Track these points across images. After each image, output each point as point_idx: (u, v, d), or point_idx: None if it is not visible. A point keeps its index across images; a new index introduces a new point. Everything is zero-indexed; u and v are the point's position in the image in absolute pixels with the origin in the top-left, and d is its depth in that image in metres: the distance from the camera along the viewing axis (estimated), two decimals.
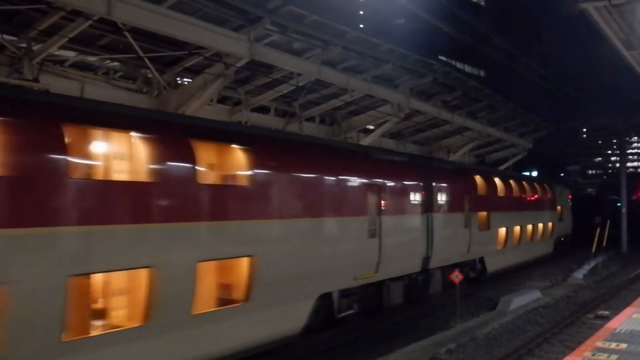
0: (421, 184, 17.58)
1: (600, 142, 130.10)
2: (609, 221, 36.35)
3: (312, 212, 12.93)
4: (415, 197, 17.25)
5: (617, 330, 10.92)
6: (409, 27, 70.22)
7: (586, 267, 28.49)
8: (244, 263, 11.14)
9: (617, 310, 15.89)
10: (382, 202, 15.32)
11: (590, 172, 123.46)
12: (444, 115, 24.62)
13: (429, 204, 17.78)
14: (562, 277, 26.55)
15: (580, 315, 17.78)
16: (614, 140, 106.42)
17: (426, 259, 17.72)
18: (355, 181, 14.55)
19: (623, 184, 39.51)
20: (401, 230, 16.45)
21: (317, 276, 13.04)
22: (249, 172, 11.38)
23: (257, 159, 11.54)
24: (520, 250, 26.52)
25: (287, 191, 12.28)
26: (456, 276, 16.84)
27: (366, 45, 17.53)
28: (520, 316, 17.55)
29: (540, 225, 29.67)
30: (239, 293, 11.18)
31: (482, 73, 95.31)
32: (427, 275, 18.35)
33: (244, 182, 11.44)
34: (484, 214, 22.17)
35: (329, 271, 13.40)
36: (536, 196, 29.56)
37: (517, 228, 25.91)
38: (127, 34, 12.65)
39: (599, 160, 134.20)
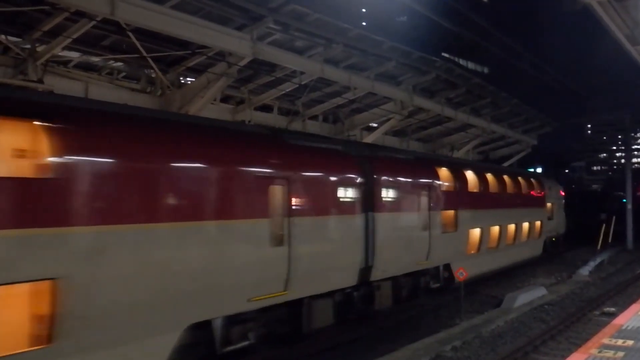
0: (357, 177, 14.04)
1: (605, 138, 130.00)
2: (614, 217, 36.29)
3: (169, 214, 9.41)
4: (348, 194, 13.72)
5: (623, 327, 10.89)
6: (411, 24, 70.04)
7: (592, 264, 28.40)
8: (43, 289, 7.73)
9: (623, 307, 15.85)
10: (294, 199, 11.84)
11: (595, 168, 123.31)
12: (448, 112, 24.58)
13: (368, 202, 14.27)
14: (568, 273, 26.50)
15: (586, 312, 17.73)
16: (619, 136, 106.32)
17: (366, 270, 14.31)
18: (247, 172, 10.99)
19: (628, 180, 39.41)
20: (324, 235, 12.97)
21: (183, 301, 9.64)
22: (51, 158, 7.90)
23: (66, 138, 8.10)
24: (499, 253, 23.03)
25: (127, 185, 8.85)
26: (461, 273, 16.81)
27: (369, 43, 17.51)
28: (525, 313, 17.50)
29: (526, 224, 26.19)
30: (35, 332, 7.79)
31: (486, 70, 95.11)
32: (369, 289, 15.03)
33: (38, 173, 7.93)
34: (450, 213, 18.79)
35: (203, 293, 9.96)
36: (521, 191, 26.28)
37: (496, 228, 22.60)
38: (130, 34, 12.67)
39: (604, 157, 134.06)
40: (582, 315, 17.32)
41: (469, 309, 18.00)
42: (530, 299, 19.30)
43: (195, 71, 15.90)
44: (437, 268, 18.36)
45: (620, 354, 9.05)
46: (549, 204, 30.62)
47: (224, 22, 13.96)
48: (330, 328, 13.94)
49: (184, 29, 12.88)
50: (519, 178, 26.63)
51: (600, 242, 32.23)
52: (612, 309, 17.53)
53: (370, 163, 14.94)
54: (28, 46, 12.56)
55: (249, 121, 17.89)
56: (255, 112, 18.74)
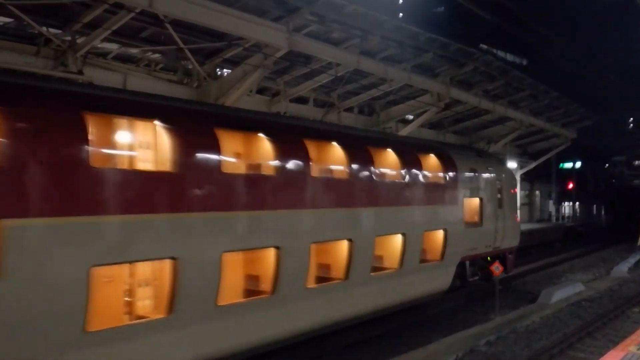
0: None
1: None
2: None
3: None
4: None
5: None
6: (449, 15, 69.23)
7: (631, 260, 27.87)
8: None
9: None
10: None
11: (636, 163, 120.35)
12: (485, 104, 24.27)
13: None
14: (606, 270, 26.01)
15: (625, 309, 17.40)
16: None
17: None
18: None
19: None
20: None
21: None
22: None
23: None
24: (301, 305, 11.54)
25: None
26: (496, 268, 16.61)
27: (405, 35, 17.36)
28: (561, 309, 17.26)
29: (397, 238, 14.25)
30: None
31: (525, 62, 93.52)
32: None
33: None
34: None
35: None
36: (380, 175, 13.80)
37: (269, 253, 10.73)
38: (168, 25, 12.82)
39: None
40: (620, 313, 17.00)
41: (503, 304, 17.80)
42: (567, 295, 19.02)
43: (232, 63, 16.02)
44: None
45: None
46: (472, 200, 17.78)
47: (261, 13, 14.00)
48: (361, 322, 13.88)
49: (220, 21, 12.96)
50: (372, 149, 13.78)
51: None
52: None
53: None
54: (68, 38, 12.82)
55: (285, 113, 17.94)
56: (291, 104, 18.80)
